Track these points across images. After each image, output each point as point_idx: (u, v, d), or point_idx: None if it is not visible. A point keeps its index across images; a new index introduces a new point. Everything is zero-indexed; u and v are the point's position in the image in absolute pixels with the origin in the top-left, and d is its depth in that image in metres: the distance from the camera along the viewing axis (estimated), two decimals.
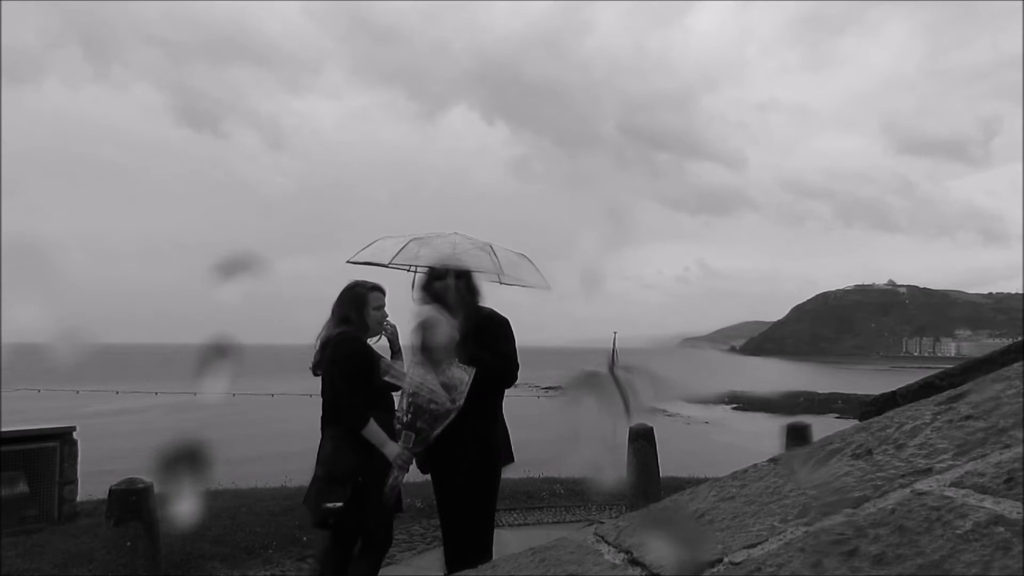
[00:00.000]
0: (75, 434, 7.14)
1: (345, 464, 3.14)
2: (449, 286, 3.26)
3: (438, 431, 3.01)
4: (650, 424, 6.58)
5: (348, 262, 3.65)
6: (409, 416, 3.00)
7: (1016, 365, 0.93)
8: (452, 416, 2.98)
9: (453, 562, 3.19)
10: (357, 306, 3.32)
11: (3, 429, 6.81)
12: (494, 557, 2.69)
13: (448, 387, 2.96)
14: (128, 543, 3.97)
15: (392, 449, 3.08)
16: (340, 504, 3.08)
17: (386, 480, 3.10)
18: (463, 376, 2.99)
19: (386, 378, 3.06)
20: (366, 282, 3.45)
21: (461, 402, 2.97)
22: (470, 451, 3.14)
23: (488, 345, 3.18)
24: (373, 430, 3.12)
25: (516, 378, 3.31)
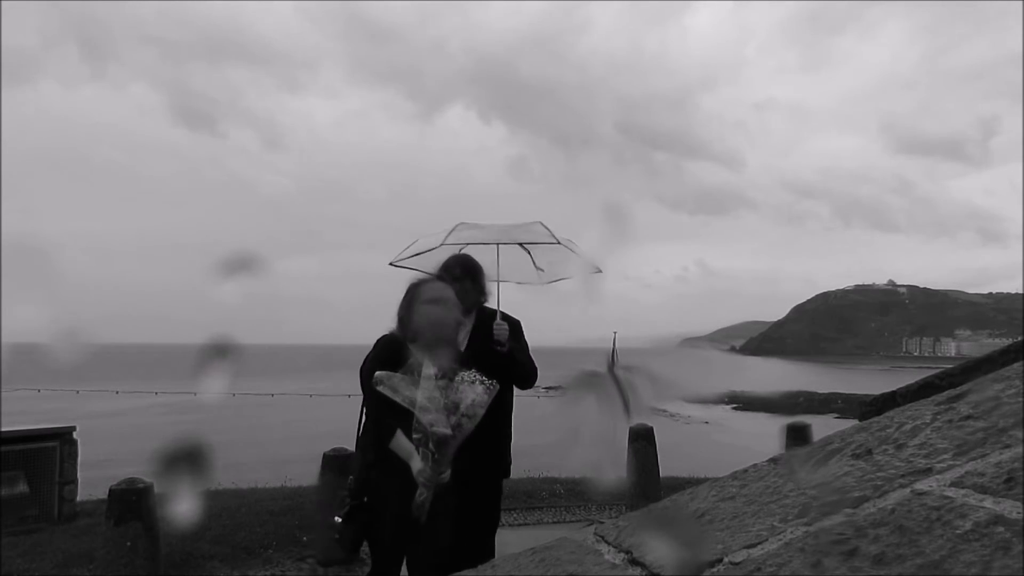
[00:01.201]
0: (75, 434, 7.14)
1: (357, 478, 2.87)
2: (467, 289, 3.18)
3: (447, 456, 2.72)
4: (650, 424, 6.58)
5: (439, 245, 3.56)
6: (421, 436, 2.73)
7: (1016, 365, 0.93)
8: (455, 444, 2.69)
9: (448, 567, 3.16)
10: (407, 303, 2.90)
11: (3, 429, 6.81)
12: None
13: (453, 408, 2.67)
14: (128, 543, 3.98)
15: (416, 464, 2.76)
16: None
17: (411, 500, 2.77)
18: (476, 397, 2.68)
19: (377, 388, 2.68)
20: (425, 278, 3.05)
21: (469, 427, 2.68)
22: (478, 460, 3.00)
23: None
24: (400, 442, 2.74)
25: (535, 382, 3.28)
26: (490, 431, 2.97)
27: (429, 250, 3.51)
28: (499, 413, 3.01)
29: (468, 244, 3.47)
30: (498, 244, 3.44)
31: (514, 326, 3.27)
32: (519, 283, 3.72)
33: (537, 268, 3.78)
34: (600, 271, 3.58)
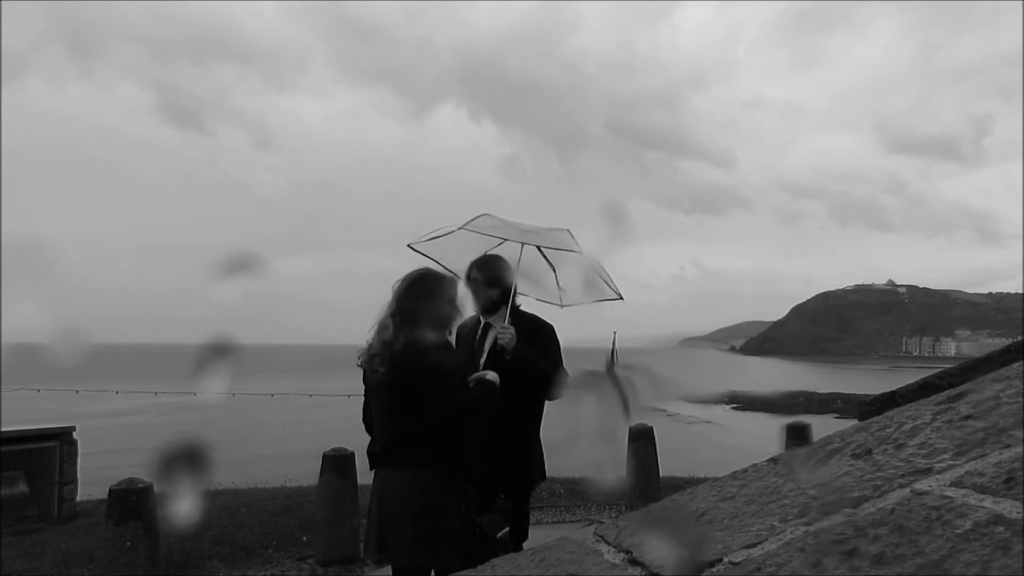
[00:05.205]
0: (75, 434, 7.14)
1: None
2: (479, 287, 3.10)
3: None
4: (650, 424, 6.59)
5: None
6: None
7: (1016, 365, 0.93)
8: None
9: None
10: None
11: (3, 429, 6.81)
12: None
13: None
14: (128, 543, 3.98)
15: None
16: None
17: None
18: None
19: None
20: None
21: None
22: (507, 468, 2.99)
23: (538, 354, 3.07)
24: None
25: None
26: (512, 438, 2.97)
27: (446, 234, 3.38)
28: (520, 419, 2.98)
29: (486, 235, 3.34)
30: (522, 244, 3.33)
31: (540, 331, 3.19)
32: (538, 300, 3.57)
33: (560, 288, 3.64)
34: (622, 298, 3.49)
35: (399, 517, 2.57)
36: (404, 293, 2.70)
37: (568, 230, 3.37)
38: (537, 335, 3.14)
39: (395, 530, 2.58)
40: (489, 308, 3.15)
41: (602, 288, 3.50)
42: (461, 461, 2.64)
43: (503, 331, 3.01)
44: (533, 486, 3.27)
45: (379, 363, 2.59)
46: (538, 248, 3.46)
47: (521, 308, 3.26)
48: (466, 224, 3.30)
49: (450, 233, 3.33)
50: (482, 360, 3.02)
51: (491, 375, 2.74)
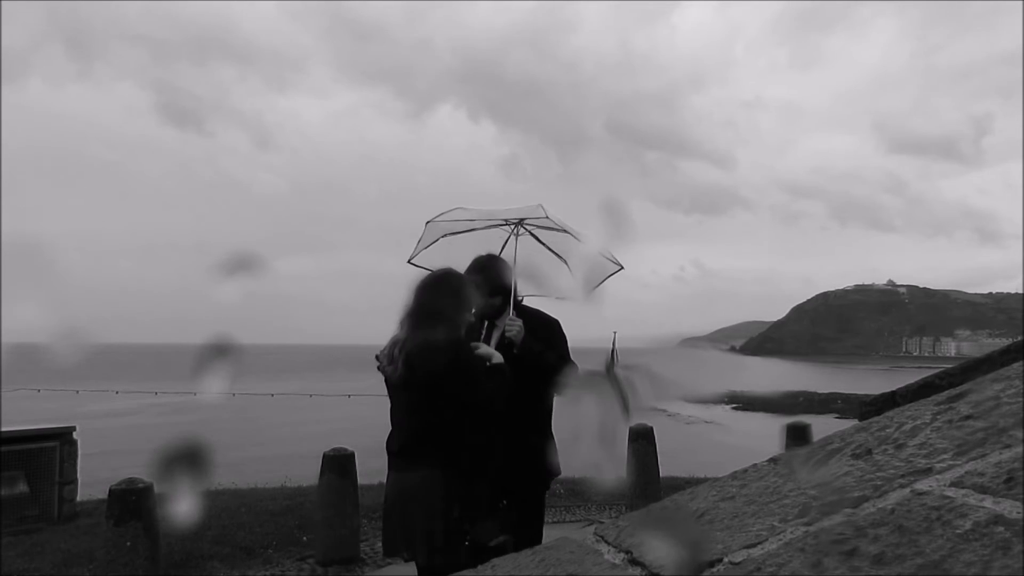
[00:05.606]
0: (75, 434, 7.14)
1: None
2: (477, 287, 2.97)
3: None
4: (650, 424, 6.59)
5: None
6: None
7: (1016, 365, 0.93)
8: None
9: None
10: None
11: (3, 429, 6.81)
12: None
13: None
14: (128, 543, 3.98)
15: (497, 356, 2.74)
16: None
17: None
18: None
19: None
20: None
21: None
22: (522, 467, 2.92)
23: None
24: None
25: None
26: (521, 436, 2.90)
27: (434, 241, 3.31)
28: (529, 416, 2.92)
29: (457, 221, 3.27)
30: (517, 235, 3.26)
31: (546, 326, 3.10)
32: (559, 299, 3.44)
33: (575, 279, 3.51)
34: (623, 268, 3.38)
35: (415, 515, 2.56)
36: (426, 292, 2.70)
37: (541, 205, 3.25)
38: (543, 330, 3.07)
39: (411, 528, 2.57)
40: (492, 315, 3.10)
41: (605, 264, 3.40)
42: (477, 459, 2.63)
43: (511, 324, 2.95)
44: (547, 484, 3.18)
45: (397, 362, 2.58)
46: (536, 239, 3.39)
47: (524, 302, 3.18)
48: (436, 217, 3.25)
49: (433, 242, 3.29)
50: None
51: (497, 357, 2.70)
